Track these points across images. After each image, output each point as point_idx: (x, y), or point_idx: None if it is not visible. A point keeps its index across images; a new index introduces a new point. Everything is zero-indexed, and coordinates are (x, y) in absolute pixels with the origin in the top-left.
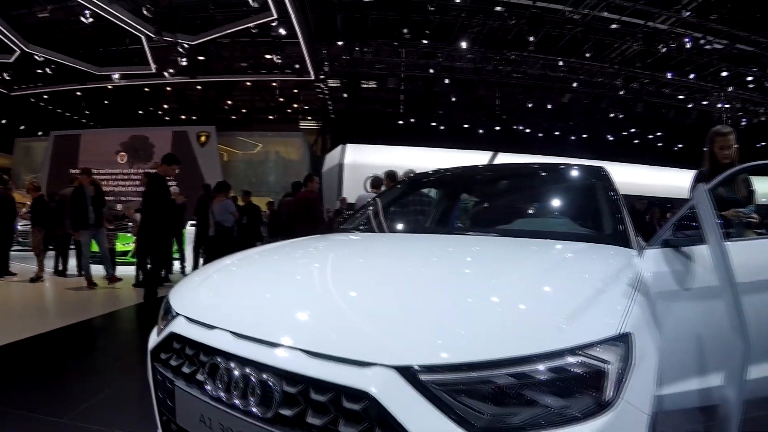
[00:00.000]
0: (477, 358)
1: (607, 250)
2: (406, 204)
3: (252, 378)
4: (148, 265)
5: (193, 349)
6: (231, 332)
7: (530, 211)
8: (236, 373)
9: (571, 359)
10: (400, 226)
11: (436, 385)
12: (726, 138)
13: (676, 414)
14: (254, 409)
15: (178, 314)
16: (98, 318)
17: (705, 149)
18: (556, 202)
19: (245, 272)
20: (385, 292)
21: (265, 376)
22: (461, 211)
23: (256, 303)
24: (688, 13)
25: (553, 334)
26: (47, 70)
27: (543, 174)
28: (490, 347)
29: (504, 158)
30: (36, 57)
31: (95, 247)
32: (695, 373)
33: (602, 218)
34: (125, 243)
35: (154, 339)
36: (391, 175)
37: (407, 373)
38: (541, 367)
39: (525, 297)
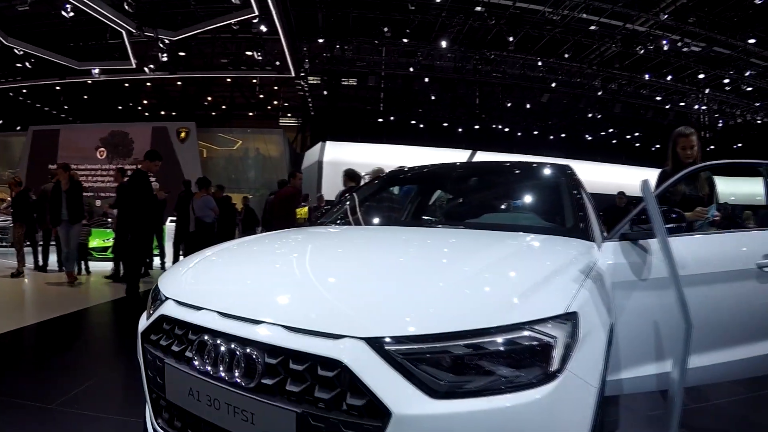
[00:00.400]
0: (436, 330)
1: (566, 242)
2: (378, 200)
3: (237, 352)
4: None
5: (182, 329)
6: (217, 312)
7: (498, 206)
8: (222, 348)
9: (521, 333)
10: (373, 220)
11: (401, 354)
12: (688, 139)
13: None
14: (239, 380)
15: (167, 298)
16: (80, 312)
17: (669, 149)
18: (523, 198)
19: (229, 259)
20: (356, 275)
21: (248, 350)
22: (433, 205)
23: (240, 286)
24: (665, 16)
25: (506, 311)
26: (27, 64)
27: (512, 172)
28: (449, 321)
29: (483, 156)
30: (15, 51)
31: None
32: (652, 358)
33: (565, 213)
34: (105, 239)
35: (143, 322)
36: (349, 173)
37: (375, 344)
38: (493, 339)
39: (484, 278)
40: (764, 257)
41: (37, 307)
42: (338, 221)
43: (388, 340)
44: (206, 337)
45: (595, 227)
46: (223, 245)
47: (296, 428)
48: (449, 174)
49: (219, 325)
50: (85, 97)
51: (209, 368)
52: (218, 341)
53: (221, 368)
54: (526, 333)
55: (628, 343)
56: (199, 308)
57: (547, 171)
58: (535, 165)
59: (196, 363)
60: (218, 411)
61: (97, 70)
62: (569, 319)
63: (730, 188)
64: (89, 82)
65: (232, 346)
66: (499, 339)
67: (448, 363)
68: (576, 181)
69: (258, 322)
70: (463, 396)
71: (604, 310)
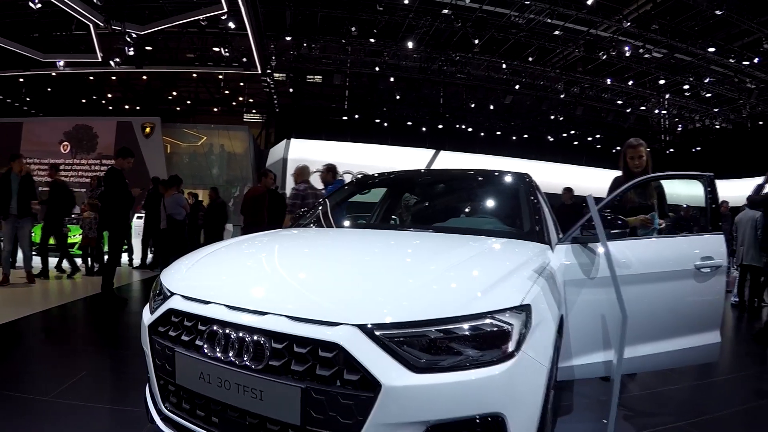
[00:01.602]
0: (416, 318)
1: (523, 245)
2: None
3: (246, 339)
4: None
5: (191, 321)
6: (225, 305)
7: (463, 212)
8: (232, 336)
9: (484, 321)
10: (351, 223)
11: (387, 338)
12: (636, 149)
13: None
14: (248, 363)
15: (173, 293)
16: (58, 308)
17: (620, 159)
18: (484, 205)
19: (230, 257)
20: (348, 271)
21: (256, 337)
22: (402, 210)
23: (243, 281)
24: (628, 24)
25: (471, 302)
26: None
27: (475, 179)
28: (426, 310)
29: (446, 156)
30: None
31: (37, 239)
32: (600, 347)
33: (523, 218)
34: (72, 235)
35: (148, 316)
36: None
37: (366, 329)
38: (462, 325)
39: (453, 275)
40: (702, 259)
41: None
42: (319, 224)
43: (377, 326)
44: (215, 327)
45: (551, 231)
46: (225, 242)
47: (301, 401)
48: (419, 180)
49: (228, 316)
50: (49, 89)
51: (219, 354)
52: (227, 330)
53: (231, 354)
54: (488, 321)
55: (578, 334)
56: (207, 302)
57: (507, 179)
58: (496, 173)
59: (207, 350)
60: (228, 391)
61: (62, 63)
62: (524, 309)
63: (693, 191)
64: (53, 74)
65: (241, 334)
66: (466, 325)
67: (426, 344)
68: (534, 189)
69: (264, 314)
70: (438, 371)
71: (554, 303)
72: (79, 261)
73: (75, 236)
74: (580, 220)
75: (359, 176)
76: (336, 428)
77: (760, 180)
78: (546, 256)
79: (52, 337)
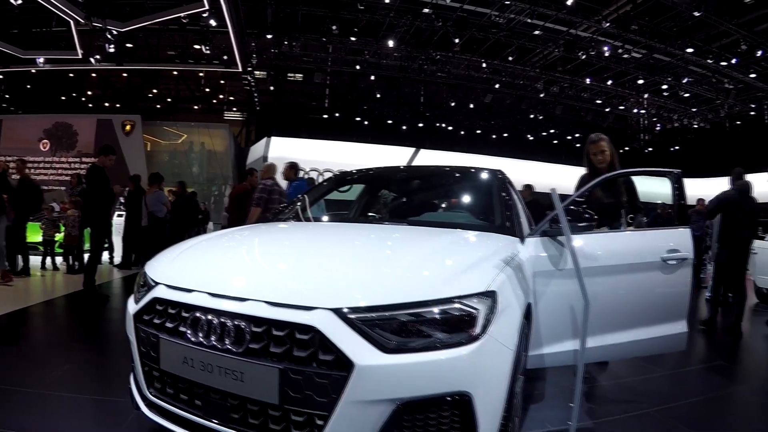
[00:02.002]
0: (387, 302)
1: (493, 237)
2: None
3: (227, 325)
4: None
5: (175, 308)
6: (207, 293)
7: (438, 206)
8: (214, 322)
9: (452, 305)
10: (330, 217)
11: (360, 321)
12: (597, 145)
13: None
14: (230, 347)
15: (157, 283)
16: (41, 305)
17: (584, 156)
18: (459, 199)
19: (212, 248)
20: (324, 260)
21: (237, 322)
22: (380, 205)
23: (224, 270)
24: (608, 24)
25: (440, 288)
26: None
27: (450, 175)
28: (397, 295)
29: (426, 154)
30: None
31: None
32: (568, 336)
33: (494, 213)
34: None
35: (133, 306)
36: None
37: (340, 313)
38: (431, 309)
39: (423, 263)
40: (668, 252)
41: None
42: (299, 218)
43: (350, 309)
44: (198, 314)
45: (522, 224)
46: (206, 236)
47: (279, 381)
48: (395, 176)
49: (211, 303)
50: (29, 86)
51: (202, 339)
52: (210, 317)
53: (213, 338)
54: (455, 305)
55: (548, 324)
56: (191, 290)
57: (480, 175)
58: (469, 169)
59: (190, 336)
60: (211, 374)
61: (42, 60)
62: (489, 296)
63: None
64: (33, 71)
65: (222, 320)
66: (435, 309)
67: (396, 327)
68: (506, 184)
69: (244, 300)
70: (407, 351)
71: (520, 291)
72: (59, 260)
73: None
74: (550, 214)
75: (336, 173)
76: (312, 406)
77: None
78: (515, 247)
79: (36, 333)
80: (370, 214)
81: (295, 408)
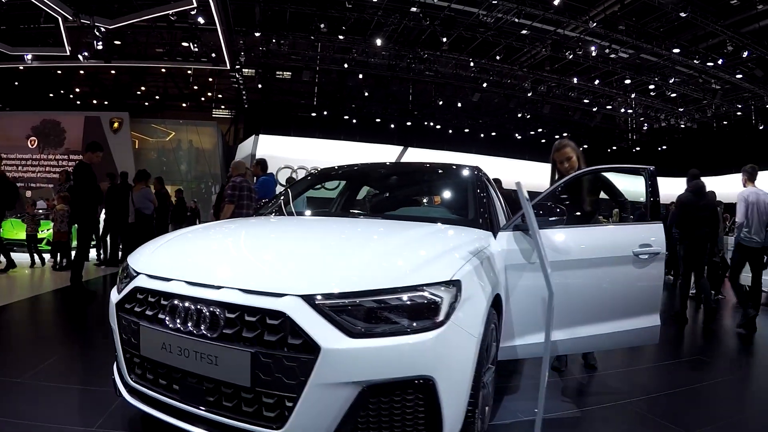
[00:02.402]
0: (353, 289)
1: (464, 230)
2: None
3: (203, 311)
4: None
5: (154, 297)
6: (185, 281)
7: (413, 201)
8: (191, 309)
9: (416, 293)
10: (309, 212)
11: (327, 307)
12: (562, 152)
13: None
14: (205, 332)
15: (138, 273)
16: (28, 301)
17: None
18: (434, 194)
19: (190, 240)
20: (296, 250)
21: (212, 308)
22: (358, 200)
23: (201, 260)
24: (595, 24)
25: (405, 276)
26: None
27: (427, 172)
28: (362, 282)
29: (414, 153)
30: None
31: (7, 234)
32: (540, 329)
33: (468, 207)
34: (42, 230)
35: (116, 295)
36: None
37: (308, 299)
38: (395, 296)
39: (391, 253)
40: (640, 246)
41: None
42: (279, 213)
43: (318, 296)
44: (176, 302)
45: (496, 219)
46: (184, 230)
47: (251, 364)
48: (374, 173)
49: (187, 291)
50: (16, 83)
51: (180, 325)
52: (187, 304)
53: (190, 324)
54: (419, 293)
55: (519, 315)
56: (169, 279)
57: (456, 172)
58: (446, 166)
59: (168, 322)
60: (187, 359)
61: (30, 56)
62: (454, 284)
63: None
64: (21, 68)
65: (198, 306)
66: (399, 296)
67: (362, 312)
68: (482, 181)
69: (219, 287)
70: (372, 336)
71: (487, 282)
72: (47, 256)
73: (44, 231)
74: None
75: (316, 170)
76: (282, 388)
77: (724, 178)
78: (486, 241)
79: (24, 327)
80: (347, 209)
81: (265, 390)
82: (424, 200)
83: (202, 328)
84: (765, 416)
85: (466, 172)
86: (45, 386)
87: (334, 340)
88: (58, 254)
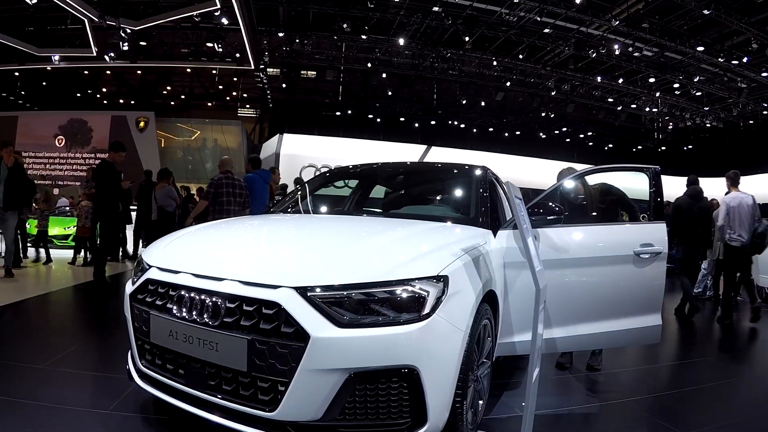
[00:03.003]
0: (342, 282)
1: (461, 228)
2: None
3: (206, 301)
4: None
5: (164, 288)
6: (191, 274)
7: (417, 200)
8: (196, 299)
9: (403, 286)
10: (311, 209)
11: (318, 298)
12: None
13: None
14: (208, 320)
15: (150, 266)
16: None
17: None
18: (437, 193)
19: (200, 236)
20: (294, 245)
21: (214, 299)
22: (370, 198)
23: (208, 254)
24: (618, 22)
25: (393, 270)
26: None
27: (432, 171)
28: (352, 276)
29: (438, 152)
30: None
31: (33, 230)
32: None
33: (470, 206)
34: (66, 227)
35: (130, 287)
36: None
37: (301, 291)
38: (383, 289)
39: (384, 249)
40: (641, 246)
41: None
42: (288, 210)
43: (310, 288)
44: (183, 292)
45: (499, 218)
46: (194, 227)
47: (247, 351)
48: (383, 172)
49: (193, 282)
50: (44, 83)
51: (185, 314)
52: (192, 294)
53: (194, 313)
54: (406, 287)
55: (518, 312)
56: (177, 272)
57: (462, 171)
58: (452, 166)
59: (176, 311)
60: (192, 345)
61: (57, 57)
62: (441, 280)
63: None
64: (49, 68)
65: (202, 297)
66: (387, 289)
67: (351, 304)
68: (488, 180)
69: (221, 279)
70: (359, 326)
71: (478, 278)
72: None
73: (68, 228)
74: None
75: (329, 169)
76: (275, 373)
77: (752, 178)
78: (483, 238)
79: (47, 319)
80: (360, 206)
81: (260, 375)
82: (430, 198)
83: (205, 316)
84: (765, 416)
85: (471, 172)
86: (64, 372)
87: (322, 329)
88: (82, 250)
